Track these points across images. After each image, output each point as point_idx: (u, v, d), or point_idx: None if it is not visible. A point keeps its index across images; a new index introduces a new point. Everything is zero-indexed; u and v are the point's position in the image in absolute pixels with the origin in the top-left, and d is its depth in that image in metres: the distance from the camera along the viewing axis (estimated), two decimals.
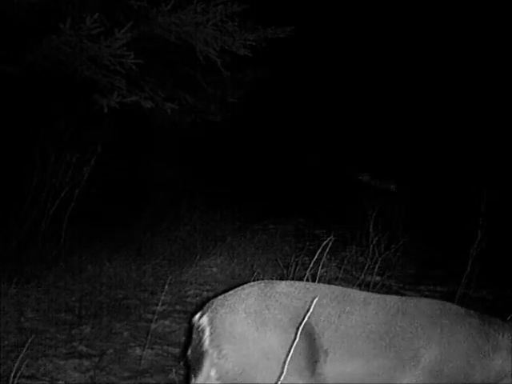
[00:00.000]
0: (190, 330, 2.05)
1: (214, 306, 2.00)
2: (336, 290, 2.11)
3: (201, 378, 1.92)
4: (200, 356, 1.93)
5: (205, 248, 5.57)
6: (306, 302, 1.97)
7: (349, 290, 2.14)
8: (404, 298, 2.20)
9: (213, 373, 1.90)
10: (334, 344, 1.93)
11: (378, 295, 2.16)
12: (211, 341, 1.91)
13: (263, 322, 1.90)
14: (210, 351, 1.90)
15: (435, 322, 2.03)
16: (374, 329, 1.98)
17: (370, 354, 1.95)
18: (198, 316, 2.02)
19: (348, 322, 1.98)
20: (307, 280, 3.53)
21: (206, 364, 1.91)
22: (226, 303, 1.98)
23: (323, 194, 9.48)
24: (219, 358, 1.89)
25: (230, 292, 2.06)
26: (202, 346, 1.93)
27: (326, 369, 1.93)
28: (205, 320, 1.97)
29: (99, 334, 3.52)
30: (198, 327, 1.98)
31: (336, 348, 1.93)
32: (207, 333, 1.93)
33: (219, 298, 2.05)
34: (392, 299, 2.12)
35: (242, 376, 1.86)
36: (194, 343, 1.99)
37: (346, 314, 1.99)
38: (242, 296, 1.99)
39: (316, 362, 1.92)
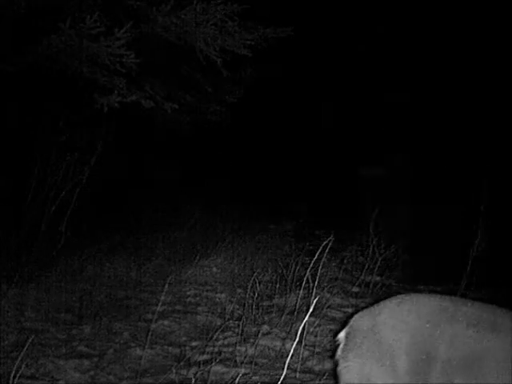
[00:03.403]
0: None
1: (351, 323, 2.04)
2: (480, 314, 1.87)
3: None
4: (334, 367, 2.00)
5: (205, 248, 5.57)
6: (439, 326, 1.82)
7: (499, 318, 1.86)
8: None
9: (337, 381, 1.95)
10: (452, 370, 1.79)
11: None
12: (342, 351, 1.97)
13: (388, 342, 1.85)
14: (340, 361, 1.96)
15: None
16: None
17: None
18: (340, 333, 2.07)
19: (477, 347, 1.78)
20: (307, 280, 3.52)
21: (336, 373, 1.97)
22: (362, 319, 2.00)
23: (323, 194, 9.48)
24: (344, 367, 1.93)
25: (371, 307, 2.05)
26: (335, 356, 2.00)
27: None
28: (342, 335, 2.03)
29: (99, 334, 3.52)
30: (337, 341, 2.04)
31: (455, 374, 1.79)
32: (342, 345, 2.00)
33: (360, 313, 2.06)
34: None
35: None
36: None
37: (475, 340, 1.80)
38: (376, 312, 1.99)
39: None
